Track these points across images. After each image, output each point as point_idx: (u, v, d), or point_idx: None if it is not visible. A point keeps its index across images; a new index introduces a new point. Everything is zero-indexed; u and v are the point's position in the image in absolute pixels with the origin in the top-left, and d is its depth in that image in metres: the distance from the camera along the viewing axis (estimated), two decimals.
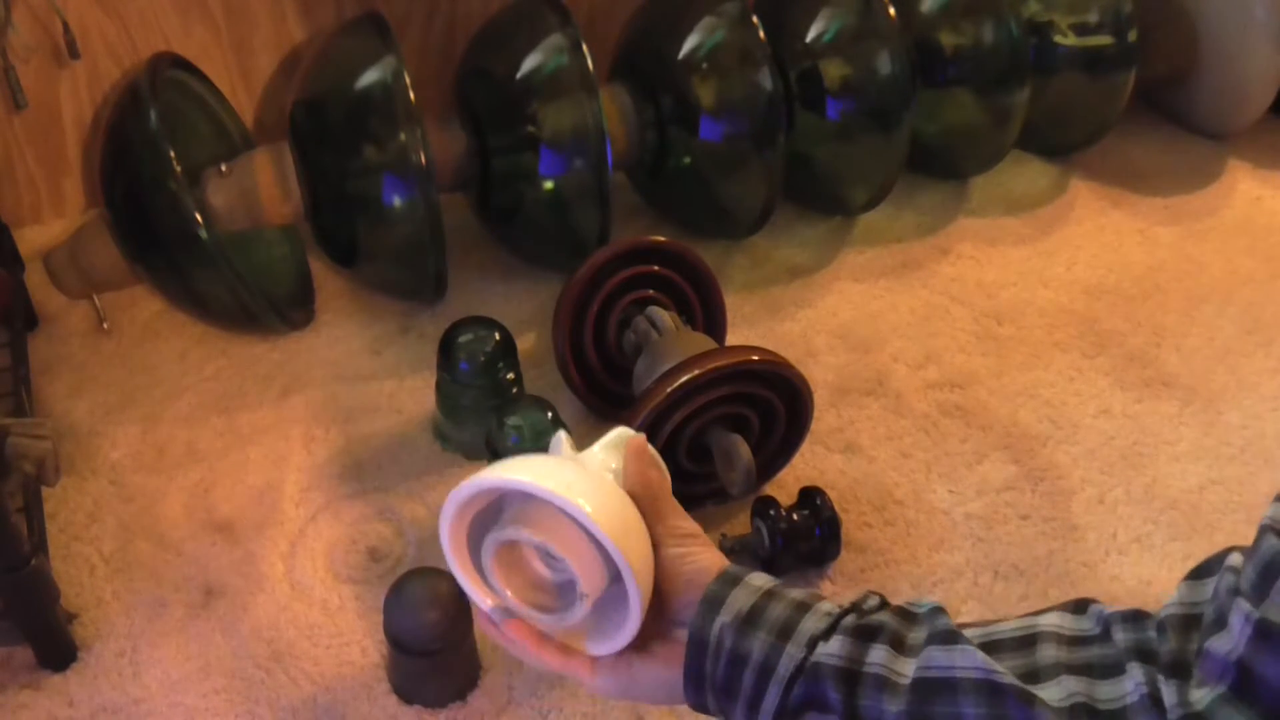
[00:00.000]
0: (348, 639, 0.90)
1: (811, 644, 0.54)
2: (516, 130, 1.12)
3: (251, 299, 1.08)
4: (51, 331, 1.15)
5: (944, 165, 1.38)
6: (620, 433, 0.64)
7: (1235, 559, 0.48)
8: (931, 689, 0.51)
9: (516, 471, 0.57)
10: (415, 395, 1.10)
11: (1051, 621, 0.53)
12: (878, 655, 0.53)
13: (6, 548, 0.79)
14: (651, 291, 1.04)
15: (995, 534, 0.99)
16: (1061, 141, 1.42)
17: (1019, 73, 1.25)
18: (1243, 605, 0.45)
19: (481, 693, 0.87)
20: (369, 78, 1.07)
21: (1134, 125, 1.45)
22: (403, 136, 1.04)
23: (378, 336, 1.17)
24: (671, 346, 0.96)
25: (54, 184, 1.25)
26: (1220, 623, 0.47)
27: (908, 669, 0.52)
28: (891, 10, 1.17)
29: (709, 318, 1.07)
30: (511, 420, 0.93)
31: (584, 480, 0.57)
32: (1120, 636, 0.51)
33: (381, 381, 1.12)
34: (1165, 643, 0.49)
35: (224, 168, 1.08)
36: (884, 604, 0.57)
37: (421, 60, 1.30)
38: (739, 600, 0.56)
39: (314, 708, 0.85)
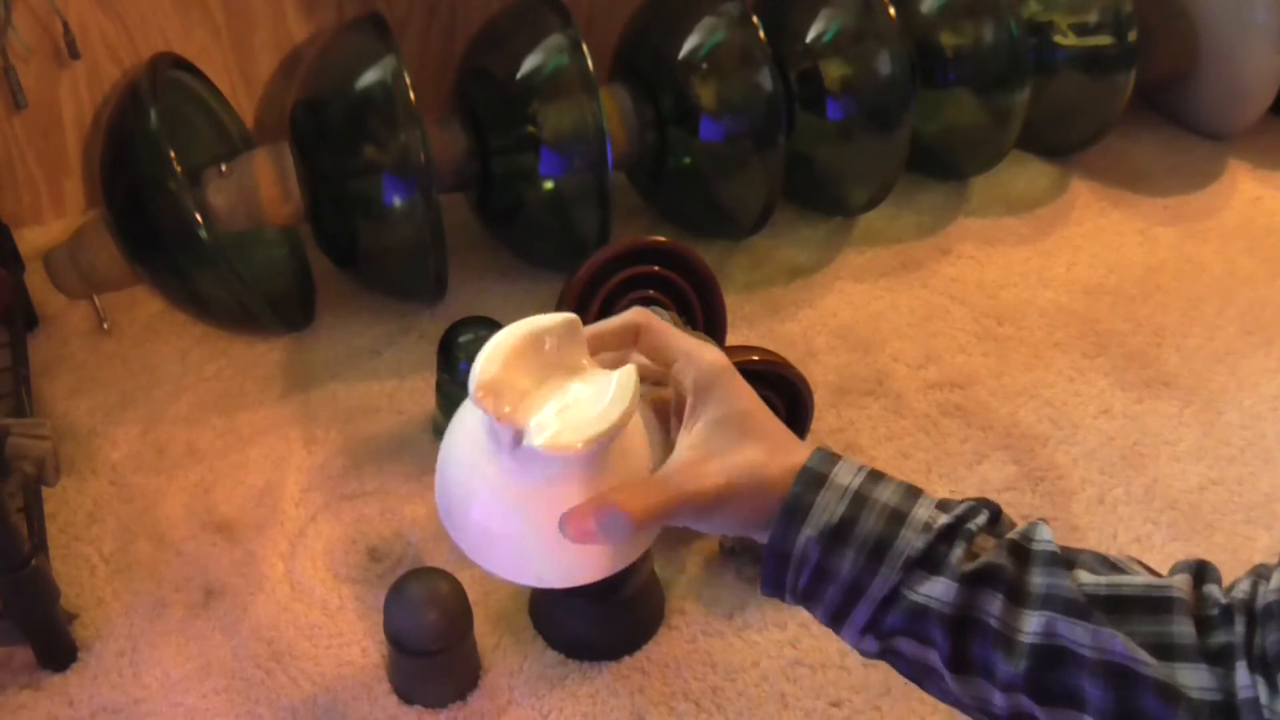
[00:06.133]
0: (348, 639, 0.90)
1: (907, 565, 0.50)
2: (516, 130, 1.12)
3: (251, 299, 1.08)
4: (51, 331, 1.15)
5: (944, 165, 1.38)
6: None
7: None
8: (1053, 657, 0.49)
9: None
10: (415, 395, 1.10)
11: (1182, 588, 0.50)
12: (993, 607, 0.49)
13: (6, 548, 0.79)
14: (652, 292, 1.04)
15: None
16: (1061, 141, 1.42)
17: (1019, 73, 1.25)
18: None
19: (481, 693, 0.87)
20: (369, 78, 1.07)
21: (1134, 125, 1.45)
22: (403, 136, 1.04)
23: (378, 336, 1.17)
24: None
25: (54, 184, 1.25)
26: None
27: (1026, 625, 0.49)
28: (891, 10, 1.17)
29: (709, 318, 1.07)
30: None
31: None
32: (1240, 629, 0.48)
33: (381, 381, 1.12)
34: (1273, 632, 0.47)
35: (224, 168, 1.08)
36: (992, 519, 0.53)
37: (421, 60, 1.30)
38: (826, 508, 0.50)
39: (314, 708, 0.85)
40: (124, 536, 0.97)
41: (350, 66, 1.10)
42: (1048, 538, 0.52)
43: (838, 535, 0.50)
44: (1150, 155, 1.46)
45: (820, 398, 1.07)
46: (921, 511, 0.51)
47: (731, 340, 1.12)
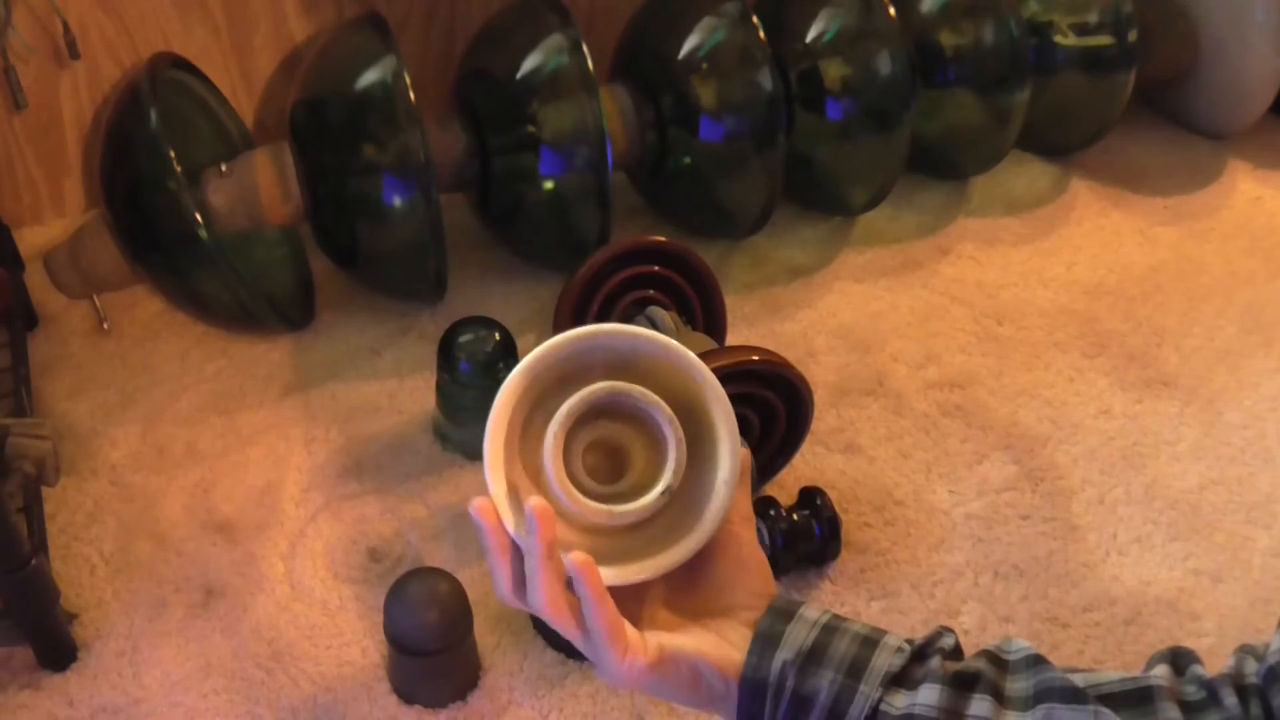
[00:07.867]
0: (348, 639, 0.90)
1: (886, 682, 0.50)
2: (516, 130, 1.12)
3: (251, 299, 1.08)
4: (51, 331, 1.15)
5: (944, 165, 1.38)
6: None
7: None
8: None
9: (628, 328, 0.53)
10: (415, 395, 1.10)
11: (1162, 676, 0.51)
12: (981, 708, 0.49)
13: (6, 548, 0.79)
14: (652, 292, 1.04)
15: (995, 534, 0.99)
16: (1061, 141, 1.42)
17: (1019, 73, 1.25)
18: None
19: (481, 693, 0.87)
20: (369, 78, 1.07)
21: (1134, 125, 1.45)
22: (403, 136, 1.04)
23: (378, 336, 1.17)
24: None
25: (54, 184, 1.25)
26: None
27: None
28: (891, 10, 1.17)
29: (709, 318, 1.07)
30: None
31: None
32: (1230, 701, 0.49)
33: (381, 381, 1.12)
34: (1277, 695, 0.47)
35: (224, 168, 1.08)
36: (958, 644, 0.54)
37: (421, 60, 1.30)
38: (798, 636, 0.51)
39: (314, 708, 0.86)
40: (124, 536, 0.97)
41: (350, 66, 1.10)
42: (1024, 645, 0.53)
43: (812, 658, 0.51)
44: (1150, 155, 1.46)
45: (820, 398, 1.07)
46: (891, 639, 0.52)
47: (731, 340, 1.12)
